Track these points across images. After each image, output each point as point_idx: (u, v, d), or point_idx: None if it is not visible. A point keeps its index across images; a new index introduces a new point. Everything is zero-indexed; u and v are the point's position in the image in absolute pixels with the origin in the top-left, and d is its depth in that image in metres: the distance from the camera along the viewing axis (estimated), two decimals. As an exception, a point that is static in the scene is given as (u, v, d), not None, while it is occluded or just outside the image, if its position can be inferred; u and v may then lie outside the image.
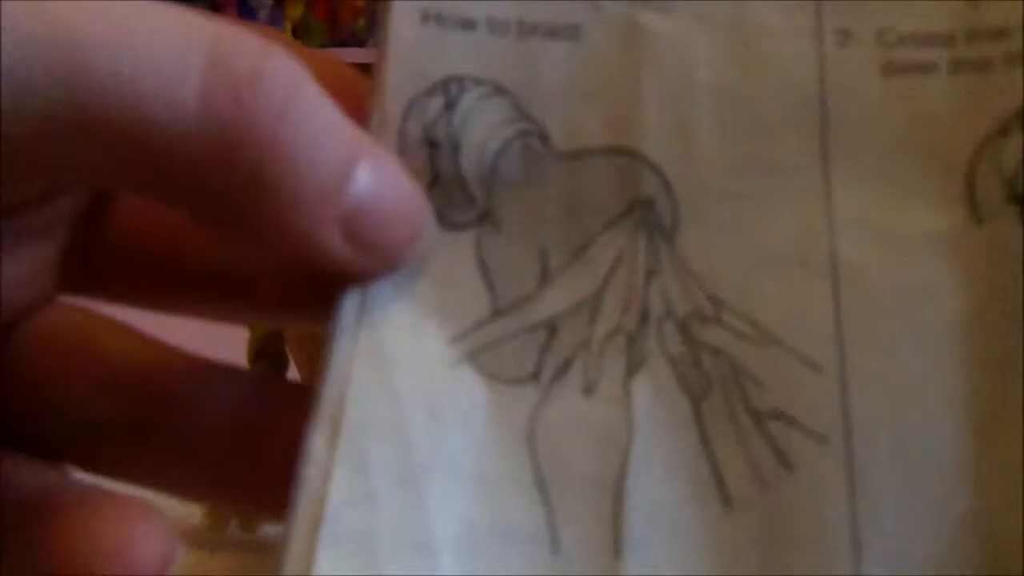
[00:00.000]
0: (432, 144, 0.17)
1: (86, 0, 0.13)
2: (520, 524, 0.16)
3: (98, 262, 0.18)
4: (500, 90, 0.17)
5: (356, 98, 0.17)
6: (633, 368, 0.16)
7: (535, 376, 0.16)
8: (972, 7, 0.17)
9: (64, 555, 0.15)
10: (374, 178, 0.15)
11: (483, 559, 0.15)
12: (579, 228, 0.17)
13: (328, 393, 0.15)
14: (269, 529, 0.42)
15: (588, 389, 0.16)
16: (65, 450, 0.18)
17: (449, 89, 0.17)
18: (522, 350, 0.16)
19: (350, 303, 0.16)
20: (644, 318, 0.16)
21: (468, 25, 0.17)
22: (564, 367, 0.16)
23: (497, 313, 0.16)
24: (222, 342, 0.24)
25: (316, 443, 0.15)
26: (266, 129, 0.14)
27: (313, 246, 0.15)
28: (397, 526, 0.15)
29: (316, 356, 0.16)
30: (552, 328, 0.16)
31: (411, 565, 0.15)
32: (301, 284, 0.17)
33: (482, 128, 0.17)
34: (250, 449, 0.17)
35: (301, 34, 1.88)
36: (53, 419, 0.18)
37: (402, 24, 0.17)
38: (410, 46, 0.17)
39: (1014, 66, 0.16)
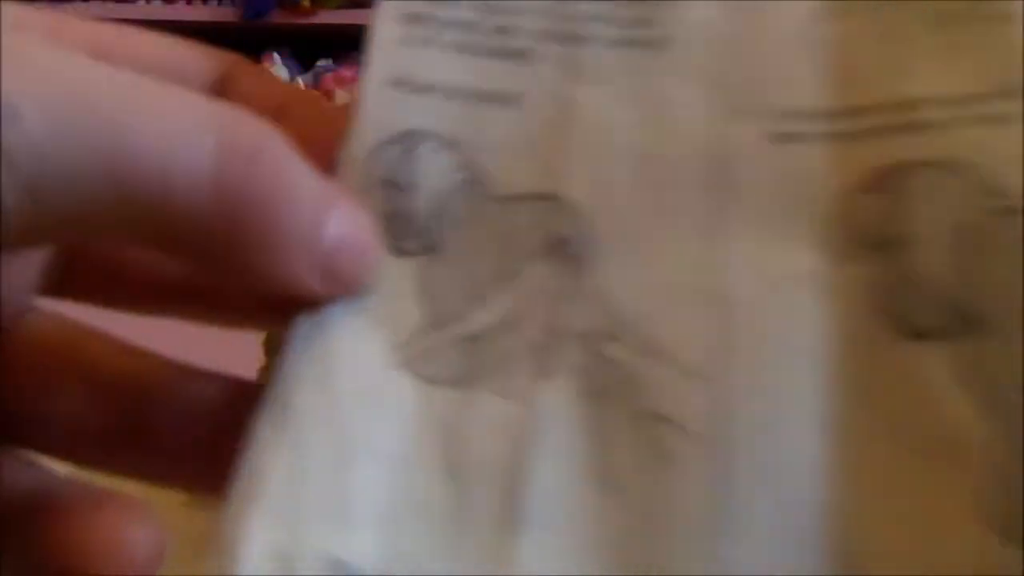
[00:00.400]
0: (390, 185, 0.20)
1: (117, 87, 0.15)
2: (433, 503, 0.18)
3: (76, 269, 0.20)
4: (451, 143, 0.20)
5: (337, 131, 0.20)
6: (541, 376, 0.18)
7: (458, 381, 0.19)
8: (846, 89, 0.20)
9: (63, 552, 0.17)
10: (344, 224, 0.18)
11: (398, 532, 0.17)
12: (508, 259, 0.19)
13: (278, 389, 0.18)
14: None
15: (502, 393, 0.18)
16: (53, 449, 0.19)
17: (408, 140, 0.20)
18: (450, 359, 0.19)
19: (306, 315, 0.18)
20: (557, 335, 0.19)
21: (427, 89, 0.20)
22: (483, 374, 0.19)
23: (433, 327, 0.19)
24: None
25: (262, 429, 0.17)
26: (264, 196, 0.16)
27: (293, 281, 0.17)
28: (324, 502, 0.17)
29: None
30: (478, 341, 0.19)
31: (332, 534, 0.17)
32: (268, 297, 0.19)
33: (434, 174, 0.20)
34: (228, 445, 0.18)
35: (320, -3, 1.89)
36: (42, 421, 0.19)
37: (373, 85, 0.20)
38: (378, 103, 0.20)
39: (873, 136, 0.19)
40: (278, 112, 0.21)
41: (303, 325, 0.18)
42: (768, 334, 0.18)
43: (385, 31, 0.21)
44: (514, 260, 0.19)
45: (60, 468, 0.20)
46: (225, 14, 1.98)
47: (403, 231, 0.20)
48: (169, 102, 0.16)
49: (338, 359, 0.18)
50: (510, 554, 0.17)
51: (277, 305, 0.19)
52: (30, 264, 0.19)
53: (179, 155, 0.15)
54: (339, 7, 2.02)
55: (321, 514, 0.17)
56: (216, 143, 0.16)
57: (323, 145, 0.19)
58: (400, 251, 0.19)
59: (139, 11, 1.93)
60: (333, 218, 0.18)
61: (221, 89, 0.21)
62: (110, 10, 1.90)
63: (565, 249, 0.19)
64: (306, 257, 0.17)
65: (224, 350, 0.21)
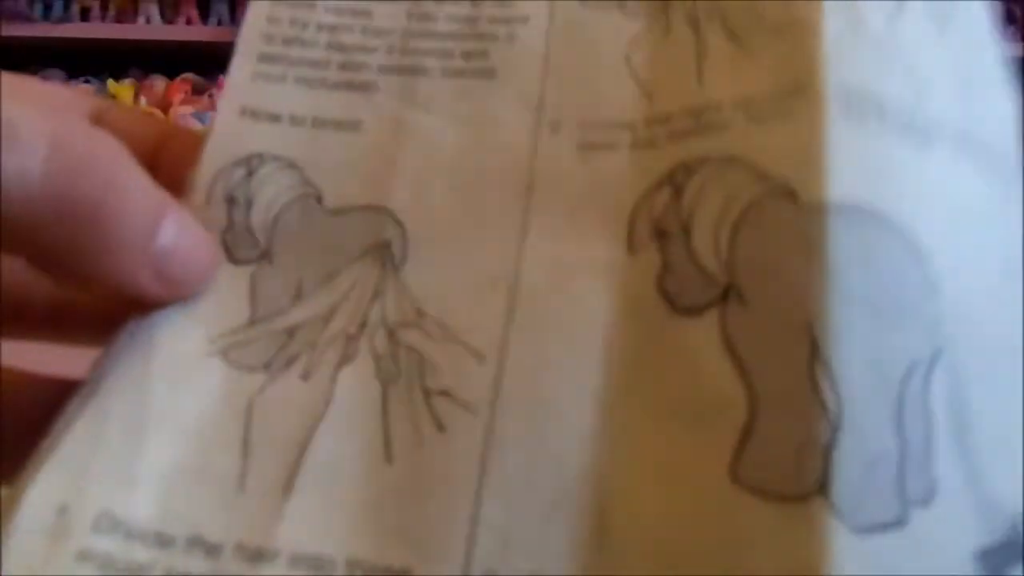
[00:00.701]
0: (231, 201, 0.22)
1: None
2: (216, 468, 0.19)
3: None
4: (292, 165, 0.23)
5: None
6: (344, 361, 0.20)
7: (267, 366, 0.20)
8: (653, 102, 0.22)
9: None
10: (176, 231, 0.19)
11: (178, 494, 0.18)
12: (331, 263, 0.22)
13: (96, 370, 0.19)
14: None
15: (305, 376, 0.20)
16: None
17: (251, 162, 0.23)
18: (264, 348, 0.20)
19: (139, 315, 0.20)
20: (363, 325, 0.21)
21: (274, 118, 0.23)
22: (291, 360, 0.20)
23: (253, 322, 0.21)
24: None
25: (72, 402, 0.19)
26: (95, 199, 0.18)
27: (129, 284, 0.19)
28: (112, 464, 0.18)
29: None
30: (291, 333, 0.21)
31: (115, 493, 0.18)
32: (117, 314, 0.20)
33: (272, 191, 0.22)
34: None
35: None
36: None
37: (225, 114, 0.23)
38: (228, 130, 0.23)
39: (671, 141, 0.21)
40: (155, 147, 0.23)
41: (132, 320, 0.20)
42: (552, 316, 0.20)
43: (241, 68, 0.24)
44: (337, 262, 0.22)
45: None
46: (225, 34, 2.02)
47: (241, 242, 0.22)
48: (9, 109, 0.17)
49: (155, 348, 0.20)
50: (277, 514, 0.18)
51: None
52: None
53: (11, 159, 0.17)
54: None
55: (107, 474, 0.18)
56: (47, 148, 0.17)
57: None
58: (238, 260, 0.22)
59: (139, 31, 1.97)
60: (166, 223, 0.19)
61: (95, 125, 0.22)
62: (111, 30, 1.94)
63: (385, 252, 0.22)
64: (139, 259, 0.19)
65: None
